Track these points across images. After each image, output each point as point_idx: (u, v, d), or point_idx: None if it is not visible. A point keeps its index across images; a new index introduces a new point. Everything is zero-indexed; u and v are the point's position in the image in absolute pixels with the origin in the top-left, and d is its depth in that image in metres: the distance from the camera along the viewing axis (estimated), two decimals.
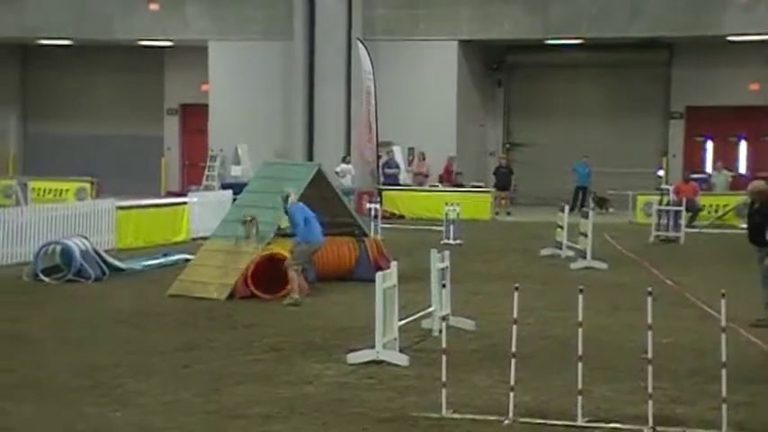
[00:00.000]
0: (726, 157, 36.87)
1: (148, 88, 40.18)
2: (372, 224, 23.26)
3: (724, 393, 8.26)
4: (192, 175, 38.77)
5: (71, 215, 20.53)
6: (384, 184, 33.12)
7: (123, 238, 21.57)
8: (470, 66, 37.18)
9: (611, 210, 33.10)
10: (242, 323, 13.40)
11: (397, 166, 34.13)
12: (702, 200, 29.79)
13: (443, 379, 8.82)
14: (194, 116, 39.54)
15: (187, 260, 17.93)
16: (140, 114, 40.14)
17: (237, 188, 22.38)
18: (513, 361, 8.73)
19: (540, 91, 39.04)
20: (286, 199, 15.49)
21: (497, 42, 37.15)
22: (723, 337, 8.37)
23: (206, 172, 36.20)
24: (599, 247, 20.62)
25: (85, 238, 18.07)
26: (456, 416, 8.71)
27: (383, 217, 25.98)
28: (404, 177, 34.41)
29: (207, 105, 36.88)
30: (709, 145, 38.82)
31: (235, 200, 20.54)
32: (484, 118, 39.21)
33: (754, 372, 10.33)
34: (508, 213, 33.01)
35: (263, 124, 35.25)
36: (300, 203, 15.58)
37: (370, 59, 33.34)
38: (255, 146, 33.68)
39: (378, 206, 25.47)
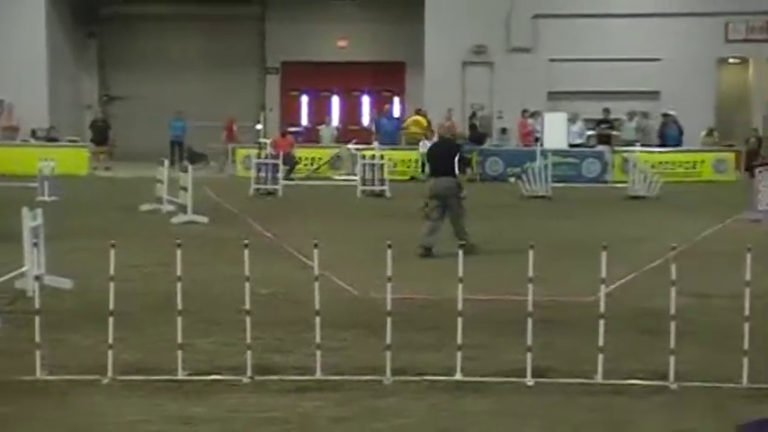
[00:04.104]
0: (321, 112, 38.32)
1: None
2: None
3: (318, 340, 8.63)
4: None
5: None
6: None
7: None
8: (60, 15, 35.95)
9: (212, 164, 33.33)
10: None
11: None
12: (299, 153, 30.79)
13: (37, 340, 8.54)
14: None
15: None
16: None
17: None
18: (111, 319, 8.61)
19: (135, 44, 38.50)
20: None
21: None
22: (317, 285, 8.71)
23: None
24: (200, 202, 20.74)
25: None
26: (52, 377, 8.47)
27: None
28: None
29: None
30: (305, 99, 40.15)
31: None
32: (78, 70, 38.07)
33: (346, 317, 10.84)
34: (107, 168, 32.37)
35: None
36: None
37: None
38: None
39: None
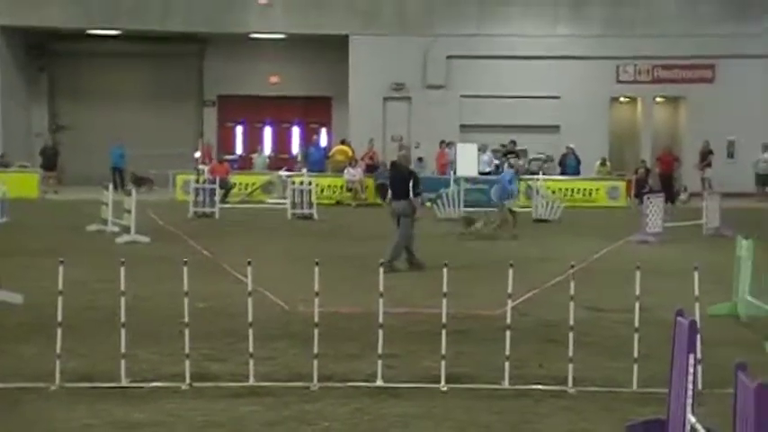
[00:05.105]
0: (254, 141, 38.20)
1: None
2: None
3: (251, 350, 8.59)
4: None
5: None
6: None
7: None
8: (13, 51, 35.48)
9: (154, 188, 33.01)
10: None
11: None
12: (234, 178, 30.67)
13: None
14: None
15: None
16: None
17: None
18: (59, 330, 8.47)
19: (84, 77, 38.07)
20: None
21: (38, 29, 35.73)
22: (250, 300, 8.67)
23: None
24: (143, 223, 20.47)
25: None
26: (3, 385, 8.30)
27: None
28: None
29: None
30: (240, 130, 39.98)
31: None
32: (29, 101, 37.54)
33: (277, 329, 10.81)
34: (56, 192, 31.86)
35: None
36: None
37: None
38: None
39: None
